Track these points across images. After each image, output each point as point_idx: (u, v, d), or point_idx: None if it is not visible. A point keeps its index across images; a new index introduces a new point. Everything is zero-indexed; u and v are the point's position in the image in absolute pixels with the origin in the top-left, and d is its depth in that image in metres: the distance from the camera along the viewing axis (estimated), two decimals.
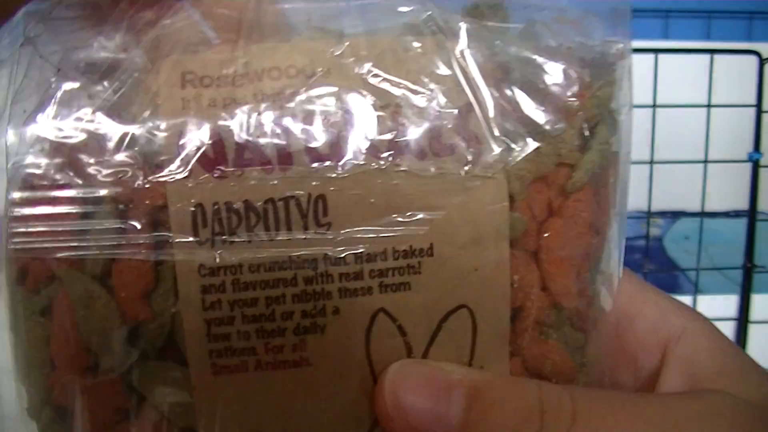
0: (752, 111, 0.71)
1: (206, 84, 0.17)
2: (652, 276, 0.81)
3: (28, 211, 0.16)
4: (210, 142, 0.16)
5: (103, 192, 0.16)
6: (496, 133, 0.17)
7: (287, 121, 0.17)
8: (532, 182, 0.18)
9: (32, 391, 0.18)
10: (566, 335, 0.19)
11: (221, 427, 0.17)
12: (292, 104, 0.17)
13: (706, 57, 0.72)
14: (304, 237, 0.16)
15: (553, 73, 0.18)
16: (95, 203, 0.16)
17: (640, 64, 0.72)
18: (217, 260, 0.16)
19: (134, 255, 0.16)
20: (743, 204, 0.73)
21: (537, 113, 0.18)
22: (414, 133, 0.17)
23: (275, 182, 0.16)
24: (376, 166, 0.17)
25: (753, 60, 0.69)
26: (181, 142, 0.16)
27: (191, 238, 0.16)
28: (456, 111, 0.17)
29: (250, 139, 0.16)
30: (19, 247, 0.16)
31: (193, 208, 0.16)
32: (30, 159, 0.16)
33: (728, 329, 0.75)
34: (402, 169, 0.17)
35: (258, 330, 0.16)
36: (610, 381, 0.21)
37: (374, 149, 0.17)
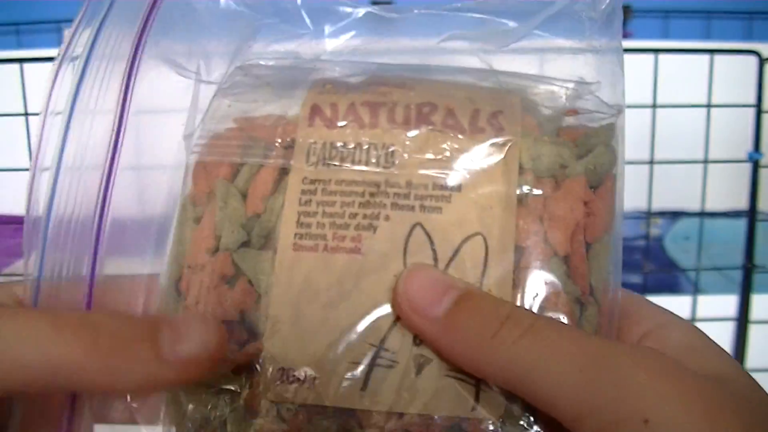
0: (752, 111, 0.71)
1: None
2: (652, 276, 0.80)
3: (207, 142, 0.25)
4: (328, 107, 0.25)
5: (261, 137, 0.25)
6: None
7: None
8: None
9: (166, 276, 0.24)
10: (563, 281, 0.22)
11: (289, 291, 0.23)
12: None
13: (706, 57, 0.71)
14: (375, 170, 0.24)
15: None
16: (254, 141, 0.25)
17: (640, 64, 0.72)
18: (315, 175, 0.24)
19: (269, 164, 0.24)
20: (743, 204, 0.73)
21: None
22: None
23: (364, 135, 0.24)
24: (432, 129, 0.24)
25: (753, 60, 0.69)
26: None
27: (304, 162, 0.24)
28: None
29: (353, 107, 0.25)
30: (197, 159, 0.25)
31: (312, 141, 0.24)
32: (216, 127, 0.25)
33: (728, 329, 0.75)
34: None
35: (331, 223, 0.23)
36: None
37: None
